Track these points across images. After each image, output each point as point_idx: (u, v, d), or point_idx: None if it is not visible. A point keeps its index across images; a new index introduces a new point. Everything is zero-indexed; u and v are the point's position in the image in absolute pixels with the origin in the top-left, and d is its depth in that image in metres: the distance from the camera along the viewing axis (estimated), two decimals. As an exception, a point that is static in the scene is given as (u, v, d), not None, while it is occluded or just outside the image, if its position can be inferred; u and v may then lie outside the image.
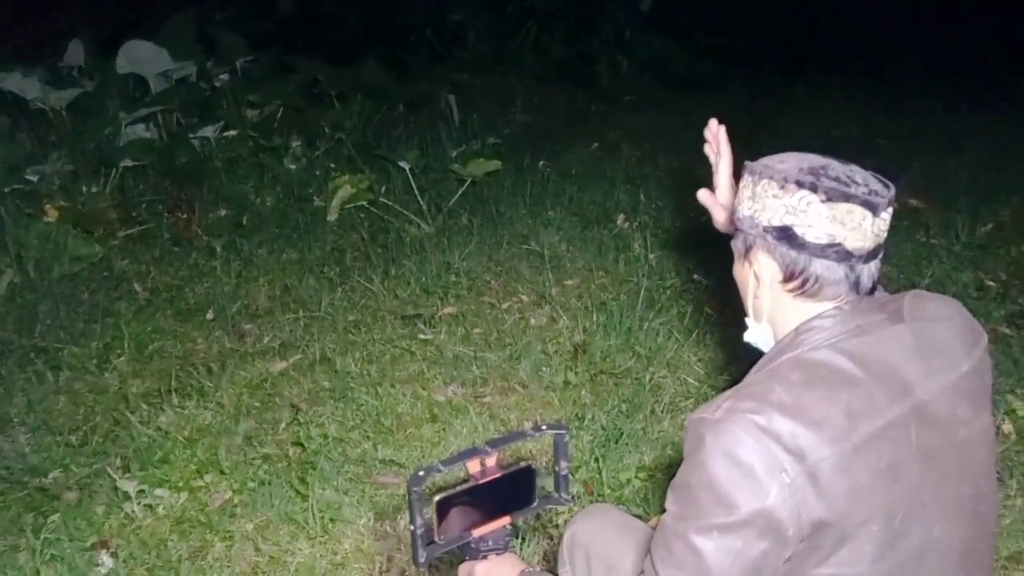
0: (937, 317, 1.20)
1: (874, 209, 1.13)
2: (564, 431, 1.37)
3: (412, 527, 1.26)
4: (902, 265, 3.68)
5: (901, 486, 1.08)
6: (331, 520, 2.23)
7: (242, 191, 4.25)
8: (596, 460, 2.44)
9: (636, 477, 2.39)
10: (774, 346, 1.19)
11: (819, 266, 1.14)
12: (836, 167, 1.16)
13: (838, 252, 1.13)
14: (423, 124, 5.03)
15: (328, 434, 2.61)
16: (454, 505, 1.28)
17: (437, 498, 1.26)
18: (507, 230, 4.04)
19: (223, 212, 4.15)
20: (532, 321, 3.28)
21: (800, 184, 1.13)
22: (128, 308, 3.42)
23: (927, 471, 1.10)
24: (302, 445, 2.56)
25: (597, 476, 2.37)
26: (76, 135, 4.01)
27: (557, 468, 1.38)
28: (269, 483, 2.38)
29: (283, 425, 2.67)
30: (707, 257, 3.50)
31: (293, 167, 4.42)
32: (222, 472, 2.43)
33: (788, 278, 1.16)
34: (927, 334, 1.17)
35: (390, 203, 4.25)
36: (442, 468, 1.29)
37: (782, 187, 1.14)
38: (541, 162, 4.79)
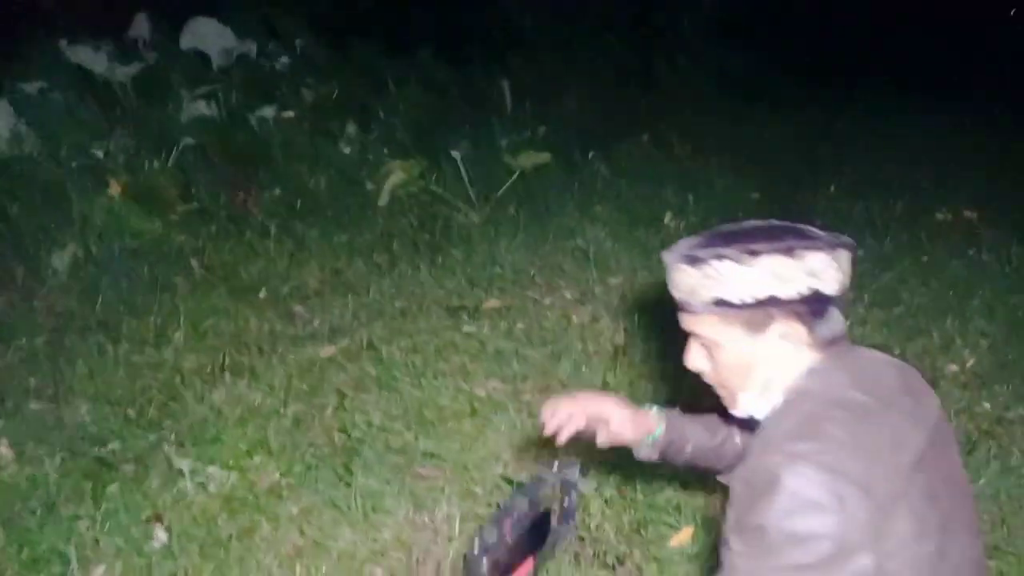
0: (890, 362, 1.28)
1: (850, 249, 1.22)
2: (575, 470, 1.43)
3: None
4: (954, 283, 3.63)
5: (943, 507, 1.14)
6: (373, 509, 2.31)
7: (297, 173, 4.35)
8: (631, 466, 2.48)
9: (669, 485, 2.43)
10: (789, 399, 1.21)
11: (834, 315, 1.22)
12: (791, 226, 1.23)
13: (843, 298, 1.22)
14: (476, 113, 5.07)
15: (372, 422, 2.69)
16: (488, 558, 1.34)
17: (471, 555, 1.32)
18: (554, 223, 4.08)
19: (278, 192, 4.25)
20: (574, 319, 3.32)
21: (806, 247, 1.19)
22: (184, 284, 3.54)
23: (952, 494, 1.18)
24: (347, 432, 2.64)
25: (630, 483, 2.42)
26: (140, 110, 4.13)
27: (566, 502, 1.44)
28: (315, 468, 2.47)
29: (329, 411, 2.76)
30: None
31: (347, 151, 4.50)
32: (271, 454, 2.53)
33: (811, 334, 1.21)
34: (905, 372, 1.26)
35: (440, 191, 4.32)
36: (494, 539, 1.34)
37: (790, 255, 1.19)
38: (591, 155, 4.81)
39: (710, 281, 1.21)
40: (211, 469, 2.45)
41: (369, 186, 4.37)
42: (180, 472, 2.39)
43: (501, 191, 4.22)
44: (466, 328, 3.26)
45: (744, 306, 1.20)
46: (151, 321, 3.26)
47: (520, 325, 3.27)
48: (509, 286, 3.55)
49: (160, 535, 2.19)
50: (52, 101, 3.77)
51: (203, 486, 2.38)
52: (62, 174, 3.45)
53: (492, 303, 3.43)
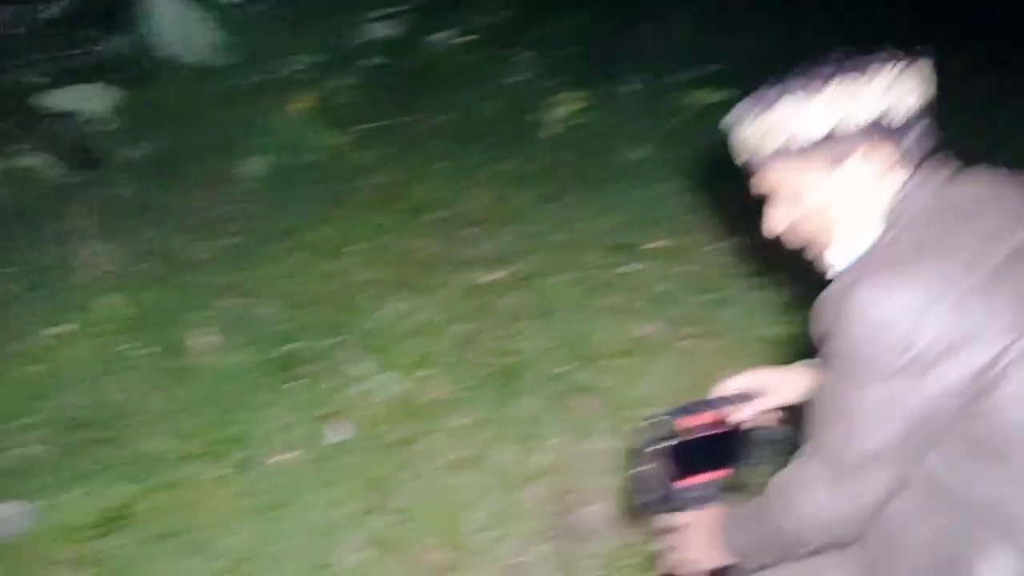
0: (992, 170, 1.16)
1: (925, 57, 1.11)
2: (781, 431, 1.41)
3: (634, 471, 1.35)
4: None
5: None
6: (530, 432, 2.40)
7: (467, 97, 4.41)
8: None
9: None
10: (883, 227, 1.13)
11: (921, 129, 1.12)
12: (851, 52, 1.13)
13: (927, 110, 1.12)
14: (651, 46, 4.93)
15: (531, 349, 2.77)
16: (669, 455, 1.35)
17: (651, 448, 1.34)
18: (728, 165, 3.97)
19: (448, 116, 4.33)
20: (741, 267, 3.25)
21: (872, 65, 1.10)
22: (360, 200, 3.71)
23: None
24: (508, 356, 2.74)
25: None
26: (327, 28, 4.29)
27: (773, 433, 1.42)
28: (477, 386, 2.59)
29: (491, 334, 2.86)
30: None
31: (518, 78, 4.51)
32: (436, 368, 2.66)
33: (897, 152, 1.12)
34: (1011, 178, 1.15)
35: (609, 124, 4.27)
36: (669, 417, 1.36)
37: (858, 75, 1.10)
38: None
39: (778, 126, 1.13)
40: (382, 377, 2.61)
41: (538, 116, 4.37)
42: (356, 375, 2.56)
43: (672, 127, 4.13)
44: (627, 267, 3.26)
45: (819, 141, 1.12)
46: (329, 232, 3.45)
47: (683, 268, 3.23)
48: (674, 227, 3.49)
49: (338, 431, 2.37)
50: (255, 15, 3.97)
51: (375, 391, 2.54)
52: (259, 86, 3.66)
53: (655, 243, 3.40)
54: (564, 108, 4.29)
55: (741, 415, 1.41)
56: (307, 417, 2.43)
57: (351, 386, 2.57)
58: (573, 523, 2.18)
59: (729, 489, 1.39)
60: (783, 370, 1.49)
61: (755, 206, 1.26)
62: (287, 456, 2.27)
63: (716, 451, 1.40)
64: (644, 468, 1.35)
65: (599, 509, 2.22)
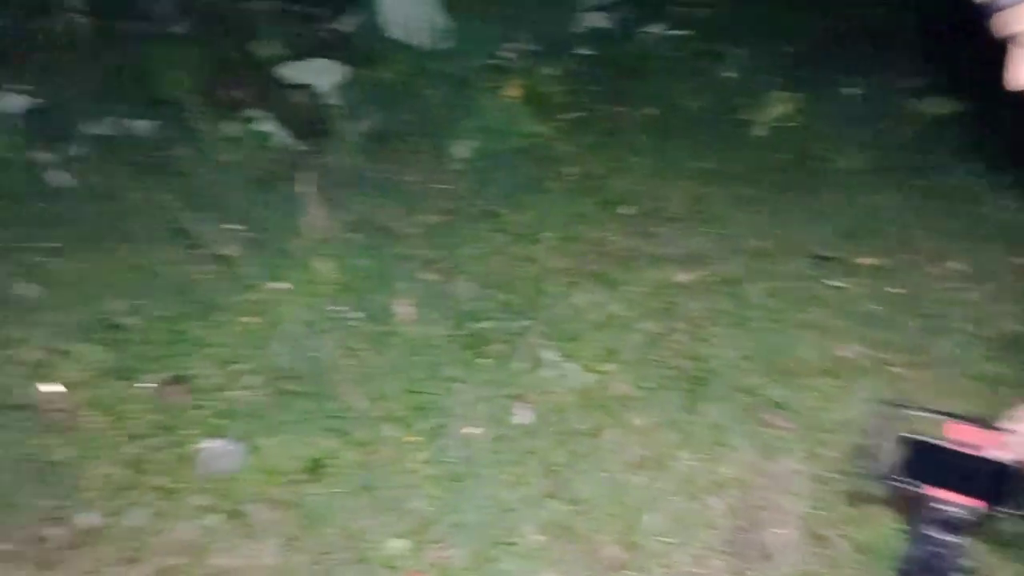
0: None
1: None
2: None
3: (871, 441, 1.24)
4: None
5: None
6: (716, 442, 2.33)
7: (676, 92, 4.33)
8: None
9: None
10: None
11: None
12: None
13: None
14: (876, 48, 4.62)
15: (723, 357, 2.68)
16: (923, 452, 1.22)
17: (908, 436, 1.22)
18: (950, 182, 3.65)
19: (654, 110, 4.27)
20: (964, 295, 2.98)
21: None
22: (558, 188, 3.74)
23: None
24: (697, 360, 2.67)
25: None
26: (542, 16, 4.34)
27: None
28: (663, 387, 2.54)
29: (681, 336, 2.79)
30: None
31: (732, 75, 4.36)
32: (623, 363, 2.63)
33: None
34: None
35: (823, 128, 4.05)
36: (915, 412, 1.24)
37: None
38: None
39: None
40: (568, 365, 2.62)
41: (747, 114, 4.22)
42: (543, 361, 2.59)
43: (893, 138, 3.85)
44: (834, 281, 3.08)
45: None
46: (526, 218, 3.50)
47: (896, 289, 3.01)
48: (888, 244, 3.26)
49: (522, 413, 2.41)
50: (474, 1, 4.09)
51: (563, 378, 2.56)
52: (473, 70, 3.78)
53: (867, 260, 3.19)
54: (775, 108, 4.11)
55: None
56: (494, 395, 2.48)
57: (537, 371, 2.59)
58: (754, 542, 2.09)
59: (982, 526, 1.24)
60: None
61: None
62: (473, 431, 2.33)
63: (975, 477, 1.23)
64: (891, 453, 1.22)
65: (783, 532, 2.11)
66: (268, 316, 2.77)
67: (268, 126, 3.62)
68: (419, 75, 3.85)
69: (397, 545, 1.93)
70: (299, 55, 4.12)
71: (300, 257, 3.00)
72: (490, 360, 2.65)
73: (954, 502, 1.22)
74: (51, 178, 3.47)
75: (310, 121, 3.79)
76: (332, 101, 3.80)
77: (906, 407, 1.23)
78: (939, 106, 3.83)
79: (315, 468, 2.19)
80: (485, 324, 2.83)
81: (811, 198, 3.64)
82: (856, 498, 2.14)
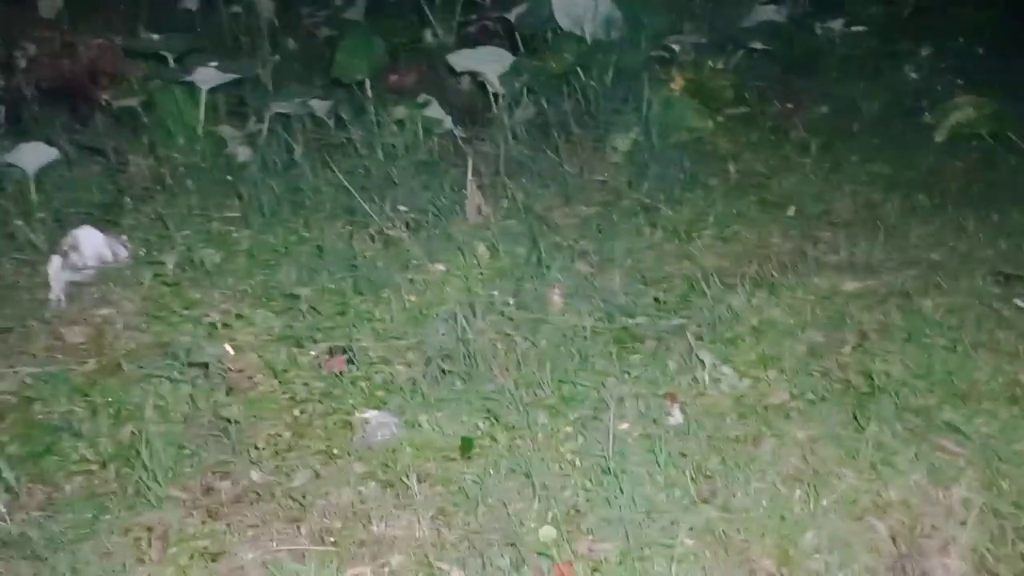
0: None
1: None
2: None
3: None
4: None
5: None
6: (882, 462, 2.20)
7: (851, 91, 4.12)
8: None
9: None
10: None
11: None
12: None
13: None
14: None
15: (892, 374, 2.53)
16: None
17: None
18: None
19: (825, 109, 4.09)
20: None
21: None
22: (719, 185, 3.65)
23: None
24: (863, 375, 2.53)
25: None
26: (713, 8, 4.24)
27: None
28: (826, 400, 2.43)
29: (848, 348, 2.66)
30: None
31: (913, 75, 4.11)
32: (783, 372, 2.54)
33: None
34: None
35: (1012, 137, 3.75)
36: None
37: None
38: None
39: None
40: (725, 368, 2.54)
41: (927, 118, 3.96)
42: (699, 362, 2.53)
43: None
44: (1018, 301, 2.85)
45: None
46: (684, 214, 3.44)
47: (1093, 315, 2.75)
48: (1083, 265, 2.99)
49: (675, 414, 2.37)
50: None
51: (717, 382, 2.49)
52: (638, 62, 3.73)
53: (1057, 280, 2.93)
54: (960, 113, 3.84)
55: None
56: (645, 393, 2.44)
57: (690, 372, 2.54)
58: (918, 570, 1.97)
59: None
60: None
61: None
62: (624, 426, 2.31)
63: None
64: None
65: (950, 563, 1.98)
66: (429, 296, 2.85)
67: (435, 111, 3.72)
68: (584, 65, 3.84)
69: (548, 532, 1.94)
70: (467, 43, 4.21)
71: (461, 241, 3.07)
72: (641, 356, 2.62)
73: None
74: (234, 151, 3.70)
75: (475, 108, 3.86)
76: (497, 89, 3.85)
77: None
78: None
79: (467, 447, 2.24)
80: (636, 320, 2.79)
81: (994, 211, 3.39)
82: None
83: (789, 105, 4.05)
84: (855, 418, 2.36)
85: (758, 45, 4.06)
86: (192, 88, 3.71)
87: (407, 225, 3.19)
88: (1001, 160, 3.76)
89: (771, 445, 2.28)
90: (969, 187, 3.62)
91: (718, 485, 2.12)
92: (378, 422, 2.36)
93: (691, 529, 1.97)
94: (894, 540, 2.02)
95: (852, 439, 2.28)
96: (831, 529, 2.01)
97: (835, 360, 2.61)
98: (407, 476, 2.13)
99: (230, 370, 2.57)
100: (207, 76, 3.67)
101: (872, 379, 2.51)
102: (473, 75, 4.04)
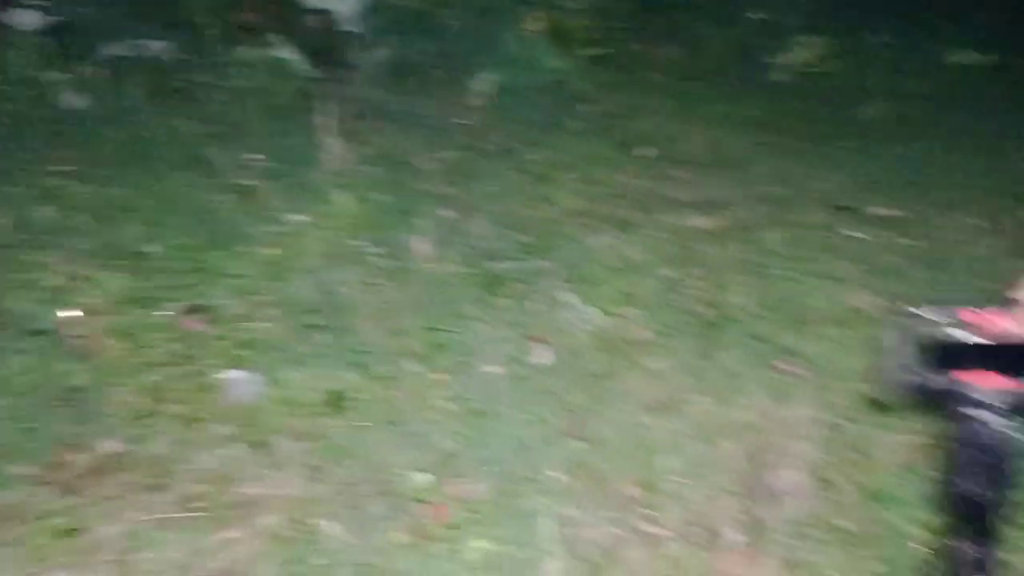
0: None
1: None
2: None
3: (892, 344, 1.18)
4: None
5: None
6: (729, 387, 2.37)
7: (700, 31, 4.25)
8: None
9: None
10: None
11: None
12: None
13: None
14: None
15: (738, 303, 2.70)
16: (948, 346, 1.16)
17: (930, 331, 1.18)
18: (981, 135, 3.61)
19: (677, 49, 4.20)
20: (976, 249, 2.99)
21: None
22: (575, 127, 3.71)
23: None
24: (712, 306, 2.69)
25: None
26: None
27: None
28: (679, 333, 2.57)
29: (698, 282, 2.81)
30: None
31: (756, 16, 4.28)
32: (641, 308, 2.66)
33: None
34: None
35: (849, 75, 3.99)
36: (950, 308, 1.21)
37: None
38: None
39: None
40: (584, 308, 2.64)
41: (770, 58, 4.15)
42: (560, 303, 2.61)
43: (920, 88, 3.80)
44: (849, 231, 3.09)
45: None
46: (545, 157, 3.48)
47: (912, 241, 3.02)
48: (907, 196, 3.26)
49: (541, 354, 2.44)
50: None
51: (577, 321, 2.58)
52: (498, 1, 3.70)
53: (882, 210, 3.19)
54: (801, 53, 4.05)
55: None
56: (512, 335, 2.50)
57: (554, 312, 2.61)
58: (764, 484, 2.15)
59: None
60: None
61: None
62: (493, 369, 2.36)
63: (1003, 360, 1.17)
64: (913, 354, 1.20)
65: (793, 475, 2.17)
66: (288, 248, 2.77)
67: (285, 52, 3.56)
68: (441, 4, 3.77)
69: (421, 479, 1.98)
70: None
71: (319, 189, 2.99)
72: (507, 300, 2.67)
73: (991, 387, 1.17)
74: (66, 99, 3.42)
75: (329, 49, 3.71)
76: (351, 28, 3.72)
77: (918, 311, 1.18)
78: (968, 57, 3.77)
79: (337, 401, 2.23)
80: (502, 264, 2.83)
81: (831, 147, 3.62)
82: (863, 444, 2.20)
83: (642, 46, 4.14)
84: (706, 348, 2.51)
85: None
86: (13, 31, 3.38)
87: (261, 174, 3.07)
88: (838, 98, 4.01)
89: (631, 378, 2.40)
90: (810, 124, 3.85)
91: (583, 419, 2.22)
92: (241, 382, 2.30)
93: (559, 463, 2.06)
94: (742, 458, 2.19)
95: (703, 368, 2.43)
96: (686, 452, 2.15)
97: (687, 294, 2.76)
98: (274, 435, 2.10)
99: (77, 336, 2.43)
100: (30, 19, 3.35)
101: (721, 310, 2.67)
102: (326, 13, 3.88)
